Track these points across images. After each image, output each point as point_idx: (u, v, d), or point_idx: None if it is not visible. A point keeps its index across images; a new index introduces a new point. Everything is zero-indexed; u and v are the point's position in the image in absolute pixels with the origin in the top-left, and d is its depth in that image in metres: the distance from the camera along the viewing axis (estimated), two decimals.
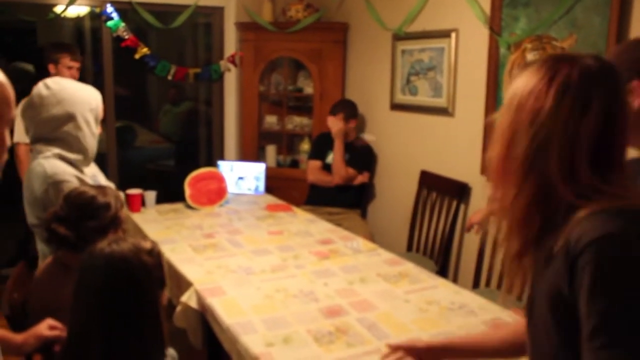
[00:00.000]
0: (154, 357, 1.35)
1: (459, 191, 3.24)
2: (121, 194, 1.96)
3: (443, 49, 3.34)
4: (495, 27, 2.95)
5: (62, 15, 3.86)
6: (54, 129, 2.06)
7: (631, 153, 1.29)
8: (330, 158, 3.83)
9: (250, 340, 1.76)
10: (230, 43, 4.39)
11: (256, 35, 4.22)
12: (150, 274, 1.36)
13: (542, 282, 0.96)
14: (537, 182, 0.94)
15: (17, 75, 4.26)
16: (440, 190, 3.39)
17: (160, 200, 3.37)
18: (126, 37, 3.99)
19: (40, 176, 2.00)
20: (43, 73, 3.36)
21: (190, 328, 2.18)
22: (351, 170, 3.74)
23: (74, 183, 2.00)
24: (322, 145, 3.90)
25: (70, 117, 2.07)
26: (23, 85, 2.45)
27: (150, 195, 3.32)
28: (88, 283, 1.34)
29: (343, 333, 1.82)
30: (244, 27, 4.26)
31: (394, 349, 1.43)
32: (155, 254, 1.40)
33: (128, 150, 5.27)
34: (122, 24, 3.96)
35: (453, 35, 3.25)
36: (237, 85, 4.43)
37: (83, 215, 1.70)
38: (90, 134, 2.14)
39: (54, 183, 1.98)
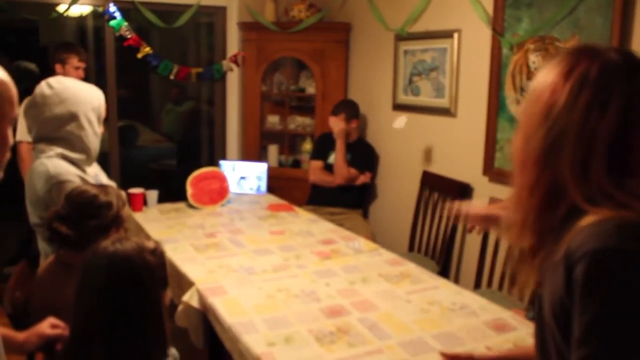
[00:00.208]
0: (156, 357, 1.35)
1: (461, 191, 3.24)
2: (123, 193, 1.96)
3: (445, 49, 3.34)
4: (497, 27, 2.94)
5: (65, 14, 3.87)
6: (56, 129, 2.06)
7: None
8: (332, 158, 3.83)
9: (252, 340, 1.76)
10: (233, 43, 4.39)
11: (258, 35, 4.23)
12: (153, 274, 1.36)
13: (547, 286, 0.95)
14: (550, 178, 0.92)
15: (20, 74, 4.27)
16: (442, 191, 3.39)
17: (162, 199, 3.38)
18: (129, 36, 4.00)
19: (43, 176, 2.00)
20: (46, 72, 3.36)
21: (191, 327, 2.18)
22: (353, 171, 3.74)
23: (77, 183, 2.00)
24: (324, 145, 3.90)
25: (72, 117, 2.07)
26: (26, 84, 2.46)
27: (152, 195, 3.32)
28: (91, 282, 1.34)
29: (344, 333, 1.82)
30: (246, 27, 4.27)
31: (450, 358, 1.42)
32: (158, 254, 1.40)
33: (130, 149, 5.27)
34: (125, 23, 3.97)
35: (455, 35, 3.25)
36: (240, 85, 4.43)
37: (84, 214, 1.70)
38: (93, 133, 2.15)
39: (57, 183, 1.98)
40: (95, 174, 2.30)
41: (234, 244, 2.68)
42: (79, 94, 2.10)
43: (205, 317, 2.12)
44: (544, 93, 0.94)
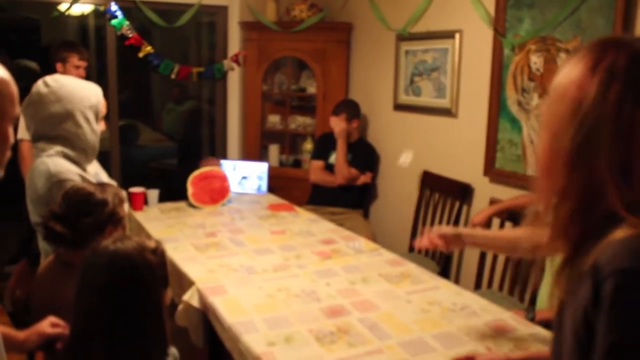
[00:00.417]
0: (156, 356, 1.35)
1: (462, 192, 3.24)
2: (123, 192, 1.96)
3: (447, 49, 3.34)
4: (499, 28, 2.94)
5: (67, 13, 3.87)
6: (54, 127, 2.06)
7: None
8: (332, 158, 3.83)
9: (252, 340, 1.76)
10: (234, 42, 4.39)
11: (260, 34, 4.23)
12: (154, 273, 1.36)
13: (572, 298, 0.90)
14: (584, 181, 0.86)
15: (21, 72, 4.27)
16: (443, 191, 3.39)
17: (162, 198, 3.38)
18: (130, 35, 4.00)
19: (44, 175, 2.00)
20: (47, 71, 3.36)
21: (191, 327, 2.18)
22: (354, 171, 3.74)
23: (77, 182, 2.00)
24: (324, 145, 3.90)
25: (69, 115, 2.07)
26: (27, 82, 2.45)
27: (153, 194, 3.32)
28: (92, 281, 1.34)
29: (345, 333, 1.82)
30: (247, 27, 4.27)
31: None
32: (159, 253, 1.40)
33: (131, 148, 5.28)
34: (126, 23, 3.97)
35: (457, 36, 3.25)
36: (240, 85, 4.43)
37: (80, 212, 1.69)
38: (91, 131, 2.14)
39: (58, 182, 1.97)
40: (96, 172, 2.30)
41: (234, 244, 2.68)
42: (75, 92, 2.09)
43: (206, 317, 2.12)
44: (569, 89, 0.88)
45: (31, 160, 2.17)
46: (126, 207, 1.88)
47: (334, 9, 4.31)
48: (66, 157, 2.07)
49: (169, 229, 2.88)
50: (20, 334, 1.54)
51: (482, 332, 1.84)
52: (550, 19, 2.67)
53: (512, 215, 2.79)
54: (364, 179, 3.79)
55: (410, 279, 2.29)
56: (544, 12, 2.72)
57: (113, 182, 2.19)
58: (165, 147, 5.76)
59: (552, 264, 2.38)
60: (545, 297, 2.35)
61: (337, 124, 3.75)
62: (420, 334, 1.83)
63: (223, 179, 3.42)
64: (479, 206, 3.11)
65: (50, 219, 1.68)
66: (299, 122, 4.42)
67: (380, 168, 4.01)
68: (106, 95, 2.27)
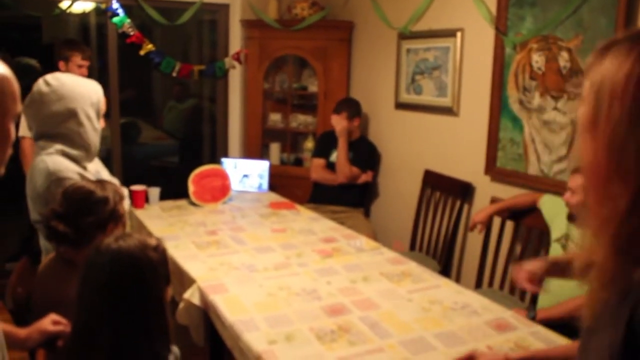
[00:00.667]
0: (159, 354, 1.35)
1: (463, 191, 3.24)
2: (125, 190, 1.96)
3: (448, 48, 3.33)
4: (501, 26, 2.94)
5: (68, 11, 3.87)
6: (55, 126, 2.06)
7: None
8: (334, 156, 3.83)
9: (253, 338, 1.76)
10: (235, 40, 4.39)
11: (261, 32, 4.22)
12: (156, 271, 1.36)
13: (613, 313, 0.81)
14: None
15: (21, 70, 4.26)
16: (444, 190, 3.39)
17: (163, 196, 3.38)
18: (131, 33, 3.99)
19: (43, 173, 2.00)
20: (48, 69, 3.36)
21: (192, 325, 2.18)
22: (355, 169, 3.74)
23: (76, 180, 2.00)
24: (326, 143, 3.90)
25: (71, 113, 2.07)
26: (28, 80, 2.45)
27: (154, 192, 3.32)
28: (94, 279, 1.34)
29: (345, 331, 1.82)
30: (249, 25, 4.26)
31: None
32: (160, 251, 1.41)
33: (132, 146, 5.27)
34: (128, 20, 3.96)
35: (459, 34, 3.25)
36: (242, 83, 4.43)
37: (81, 211, 1.69)
38: (92, 129, 2.14)
39: (57, 180, 1.98)
40: (97, 170, 2.29)
41: (235, 242, 2.68)
42: (76, 90, 2.09)
43: (206, 315, 2.12)
44: (627, 86, 0.77)
45: (32, 158, 2.17)
46: (127, 204, 1.88)
47: (335, 7, 4.30)
48: (66, 155, 2.07)
49: (170, 227, 2.88)
50: (22, 332, 1.54)
51: (483, 331, 1.84)
52: (552, 17, 2.66)
53: (513, 214, 2.79)
54: (365, 177, 3.79)
55: (411, 278, 2.29)
56: (545, 11, 2.71)
57: (114, 180, 2.19)
58: (166, 145, 5.76)
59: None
60: (546, 296, 2.35)
61: (339, 123, 3.75)
62: (421, 332, 1.83)
63: (224, 177, 3.42)
64: (480, 205, 3.11)
65: (52, 218, 1.68)
66: (300, 120, 4.42)
67: (381, 167, 4.01)
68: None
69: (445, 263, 3.30)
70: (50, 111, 2.04)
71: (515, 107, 2.92)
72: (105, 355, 1.29)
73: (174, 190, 3.54)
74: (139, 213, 3.13)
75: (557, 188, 2.58)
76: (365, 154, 3.85)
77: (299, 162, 4.43)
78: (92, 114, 2.13)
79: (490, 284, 2.91)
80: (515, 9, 2.87)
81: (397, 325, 1.87)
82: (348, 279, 2.26)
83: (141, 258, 1.34)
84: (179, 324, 2.18)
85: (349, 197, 3.79)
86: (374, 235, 3.38)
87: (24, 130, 3.19)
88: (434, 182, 3.49)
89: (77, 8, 3.98)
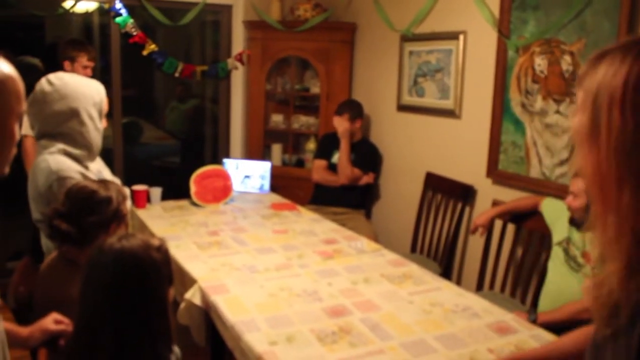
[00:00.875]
0: (161, 354, 1.35)
1: (464, 193, 3.24)
2: (127, 189, 1.96)
3: (451, 50, 3.34)
4: (503, 29, 2.94)
5: (71, 10, 3.88)
6: (57, 125, 2.07)
7: None
8: (335, 158, 3.83)
9: (254, 339, 1.77)
10: (238, 41, 4.40)
11: (264, 33, 4.23)
12: (159, 271, 1.37)
13: (621, 334, 0.79)
14: None
15: (24, 69, 4.26)
16: (446, 192, 3.39)
17: (165, 196, 3.38)
18: (134, 33, 4.00)
19: (45, 172, 2.00)
20: (51, 68, 3.36)
21: (193, 325, 2.19)
22: (357, 171, 3.74)
23: (78, 179, 2.00)
24: (327, 144, 3.90)
25: (73, 113, 2.07)
26: (30, 79, 2.45)
27: (156, 192, 3.33)
28: (96, 278, 1.34)
29: (346, 333, 1.82)
30: (252, 26, 4.27)
31: None
32: (163, 251, 1.41)
33: (134, 146, 5.28)
34: (131, 20, 3.97)
35: (461, 37, 3.25)
36: (244, 84, 4.44)
37: (84, 210, 1.70)
38: (95, 128, 2.14)
39: (58, 179, 1.98)
40: (99, 170, 2.30)
41: (236, 243, 2.69)
42: (79, 90, 2.10)
43: (208, 315, 2.12)
44: (624, 92, 0.77)
45: (34, 155, 2.17)
46: (129, 204, 1.88)
47: (338, 8, 4.31)
48: (68, 154, 2.08)
49: (172, 227, 2.88)
50: (24, 330, 1.54)
51: (484, 334, 1.85)
52: (555, 21, 2.67)
53: (515, 217, 2.79)
54: (367, 179, 3.79)
55: (412, 280, 2.29)
56: (548, 14, 2.72)
57: (116, 180, 2.20)
58: (168, 145, 5.76)
59: (554, 265, 2.38)
60: (547, 299, 2.36)
61: (341, 124, 3.75)
62: (422, 335, 1.83)
63: (226, 177, 3.42)
64: (482, 208, 3.12)
65: (55, 217, 1.68)
66: (302, 121, 4.42)
67: (382, 168, 4.01)
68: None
69: (446, 265, 3.30)
70: (53, 110, 2.05)
71: (517, 110, 2.92)
72: (107, 355, 1.29)
73: (176, 190, 3.54)
74: (141, 213, 3.13)
75: (559, 191, 2.59)
76: (367, 155, 3.85)
77: (300, 164, 4.43)
78: (95, 114, 2.14)
79: (491, 286, 2.91)
80: (518, 12, 2.87)
81: (398, 327, 1.87)
82: (349, 280, 2.27)
83: (144, 258, 1.34)
84: (180, 324, 2.18)
85: (351, 199, 3.79)
86: (375, 237, 3.38)
87: (26, 129, 3.19)
88: (435, 184, 3.49)
89: (80, 8, 3.99)
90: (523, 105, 2.88)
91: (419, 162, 3.64)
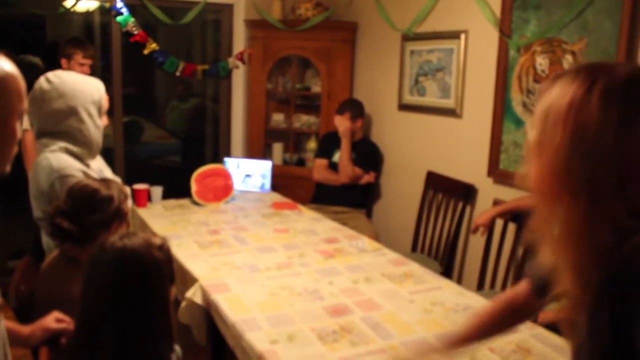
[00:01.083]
0: (162, 353, 1.35)
1: (465, 192, 3.24)
2: (127, 188, 1.96)
3: (452, 50, 3.33)
4: (505, 29, 2.94)
5: (72, 9, 3.88)
6: (57, 123, 2.07)
7: None
8: (336, 157, 3.83)
9: (255, 337, 1.77)
10: (239, 40, 4.40)
11: (265, 32, 4.23)
12: (161, 270, 1.37)
13: (597, 315, 0.88)
14: (589, 201, 0.85)
15: (24, 68, 4.26)
16: (447, 192, 3.39)
17: (166, 195, 3.38)
18: (135, 32, 4.00)
19: (47, 170, 2.01)
20: (51, 67, 3.36)
21: (194, 324, 2.19)
22: (358, 170, 3.74)
23: (80, 178, 2.00)
24: (328, 143, 3.90)
25: (72, 111, 2.07)
26: (31, 78, 2.45)
27: (157, 191, 3.33)
28: (98, 277, 1.34)
29: (347, 332, 1.82)
30: (253, 25, 4.27)
31: None
32: (165, 250, 1.41)
33: (135, 145, 5.28)
34: (132, 19, 3.97)
35: (462, 36, 3.25)
36: (245, 83, 4.44)
37: (86, 209, 1.70)
38: (94, 126, 2.14)
39: (60, 177, 1.98)
40: (100, 168, 2.30)
41: (237, 241, 2.69)
42: (77, 88, 2.10)
43: (208, 314, 2.12)
44: (568, 113, 0.86)
45: (34, 151, 2.16)
46: (130, 202, 1.89)
47: (339, 8, 4.31)
48: (69, 152, 2.08)
49: (173, 226, 2.89)
50: (25, 329, 1.54)
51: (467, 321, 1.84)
52: (557, 20, 2.66)
53: (516, 217, 2.79)
54: (368, 178, 3.79)
55: (413, 279, 2.29)
56: (550, 14, 2.71)
57: (117, 179, 2.20)
58: (169, 144, 5.77)
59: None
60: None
61: (342, 123, 3.76)
62: (422, 334, 1.83)
63: (227, 176, 3.42)
64: (483, 207, 3.11)
65: (57, 216, 1.68)
66: (303, 120, 4.42)
67: (383, 168, 4.01)
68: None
69: (447, 265, 3.29)
70: (52, 109, 2.05)
71: (518, 109, 2.92)
72: (108, 353, 1.29)
73: (177, 189, 3.54)
74: (142, 212, 3.13)
75: None
76: (368, 154, 3.85)
77: (301, 163, 4.43)
78: (94, 111, 2.13)
79: (492, 286, 2.90)
80: (519, 11, 2.87)
81: (399, 326, 1.87)
82: (350, 279, 2.27)
83: (146, 257, 1.34)
84: (181, 323, 2.18)
85: (352, 198, 3.79)
86: (376, 236, 3.38)
87: (26, 124, 3.19)
88: (436, 183, 3.49)
89: (82, 7, 3.99)
90: (524, 105, 2.88)
91: (420, 161, 3.64)
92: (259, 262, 2.42)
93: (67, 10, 3.88)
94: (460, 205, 3.26)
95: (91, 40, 4.52)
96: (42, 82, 2.07)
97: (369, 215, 4.01)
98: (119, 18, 3.95)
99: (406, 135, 3.79)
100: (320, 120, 4.27)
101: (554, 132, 0.88)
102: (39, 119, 2.08)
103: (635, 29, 2.36)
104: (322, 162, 3.87)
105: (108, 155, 2.60)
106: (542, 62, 2.77)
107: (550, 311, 2.19)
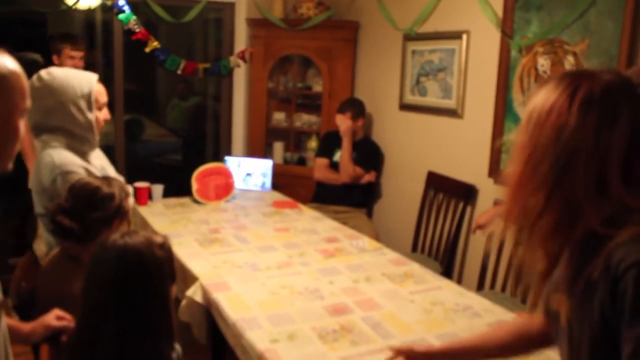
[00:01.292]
0: (162, 351, 1.35)
1: (466, 193, 3.24)
2: (130, 187, 1.96)
3: (454, 50, 3.33)
4: (507, 29, 2.94)
5: (74, 7, 3.87)
6: (50, 120, 2.08)
7: None
8: (337, 156, 3.83)
9: (255, 336, 1.77)
10: (241, 39, 4.39)
11: (266, 31, 4.23)
12: (162, 268, 1.37)
13: (583, 307, 0.93)
14: (563, 201, 0.92)
15: (25, 65, 4.25)
16: (447, 192, 3.39)
17: (166, 194, 3.38)
18: (137, 30, 4.00)
19: (49, 167, 2.01)
20: (50, 64, 3.36)
21: (195, 322, 2.19)
22: (358, 169, 3.74)
23: (81, 174, 2.01)
24: (329, 143, 3.90)
25: (61, 107, 2.07)
26: (32, 75, 2.46)
27: (158, 189, 3.33)
28: (99, 275, 1.34)
29: (348, 331, 1.82)
30: (254, 23, 4.27)
31: (396, 352, 1.42)
32: (166, 248, 1.41)
33: (136, 143, 5.28)
34: (133, 17, 3.97)
35: (464, 36, 3.25)
36: (246, 82, 4.44)
37: (87, 206, 1.70)
38: (85, 120, 2.13)
39: (61, 173, 1.99)
40: (102, 166, 2.30)
41: (238, 240, 2.69)
42: (65, 83, 2.10)
43: (209, 313, 2.12)
44: (548, 116, 0.94)
45: (30, 146, 2.14)
46: (131, 200, 1.89)
47: (341, 7, 4.31)
48: (70, 148, 2.09)
49: (173, 225, 2.89)
50: (26, 326, 1.54)
51: (480, 332, 1.84)
52: (559, 21, 2.66)
53: None
54: (368, 177, 3.79)
55: (413, 279, 2.29)
56: (552, 14, 2.71)
57: (120, 177, 2.20)
58: (169, 143, 5.76)
59: None
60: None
61: (343, 122, 3.76)
62: (422, 334, 1.83)
63: (228, 175, 3.42)
64: (483, 207, 3.12)
65: (58, 213, 1.69)
66: (304, 119, 4.42)
67: (384, 167, 4.01)
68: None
69: (447, 265, 3.30)
70: (42, 106, 2.06)
71: (519, 110, 2.92)
72: (109, 351, 1.29)
73: (177, 187, 3.54)
74: (142, 210, 3.13)
75: None
76: (369, 154, 3.85)
77: (302, 162, 4.43)
78: (83, 106, 2.11)
79: (492, 286, 2.91)
80: (521, 12, 2.87)
81: (399, 326, 1.88)
82: (350, 279, 2.27)
83: (147, 255, 1.35)
84: (181, 321, 2.18)
85: (352, 197, 3.79)
86: (377, 236, 3.38)
87: None
88: (437, 183, 3.49)
89: (83, 4, 3.99)
90: (525, 105, 2.88)
91: (421, 161, 3.64)
92: (260, 261, 2.42)
93: (69, 8, 3.88)
94: (460, 205, 3.26)
95: (92, 38, 4.52)
96: (34, 80, 2.08)
97: (369, 214, 4.01)
98: (120, 16, 3.94)
99: (407, 135, 3.79)
100: (321, 120, 4.27)
101: (534, 133, 0.95)
102: (34, 116, 2.09)
103: (637, 30, 2.36)
104: (323, 161, 3.87)
105: (109, 153, 2.60)
106: (543, 63, 2.77)
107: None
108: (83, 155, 2.15)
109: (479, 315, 1.98)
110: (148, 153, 5.56)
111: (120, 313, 1.30)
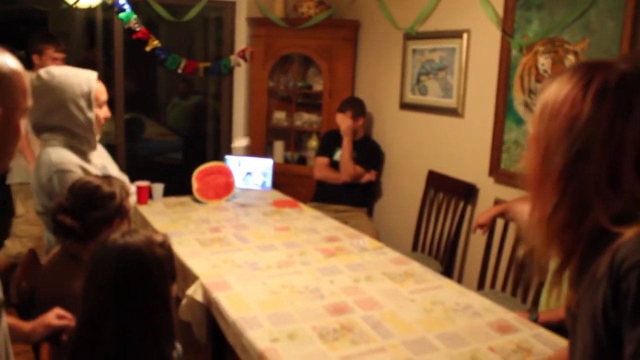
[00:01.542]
0: (163, 350, 1.35)
1: (466, 192, 3.24)
2: (132, 186, 1.97)
3: (454, 49, 3.33)
4: (507, 28, 2.94)
5: (74, 6, 3.88)
6: (50, 119, 2.09)
7: None
8: (337, 155, 3.83)
9: (255, 335, 1.77)
10: (241, 38, 4.40)
11: (267, 30, 4.23)
12: (162, 267, 1.37)
13: (587, 303, 0.93)
14: (576, 193, 0.91)
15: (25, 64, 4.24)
16: (448, 191, 3.39)
17: (167, 193, 3.38)
18: (137, 29, 4.00)
19: (46, 165, 2.03)
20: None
21: (195, 322, 2.19)
22: (359, 168, 3.74)
23: (78, 173, 2.02)
24: (330, 142, 3.90)
25: (60, 105, 2.08)
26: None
27: (158, 188, 3.33)
28: (100, 274, 1.34)
29: (348, 330, 1.82)
30: (255, 23, 4.27)
31: None
32: (166, 247, 1.41)
33: (136, 142, 5.29)
34: (134, 16, 3.97)
35: (465, 36, 3.24)
36: (247, 81, 4.44)
37: (88, 206, 1.70)
38: (85, 119, 2.13)
39: (58, 172, 2.00)
40: (103, 165, 2.30)
41: (238, 239, 2.69)
42: (65, 82, 2.10)
43: (209, 312, 2.12)
44: (562, 107, 0.93)
45: (27, 141, 2.12)
46: (132, 199, 1.89)
47: (341, 6, 4.31)
48: (70, 147, 2.09)
49: (174, 224, 2.89)
50: (27, 325, 1.55)
51: (485, 333, 1.85)
52: (559, 20, 2.66)
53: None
54: (369, 176, 3.79)
55: (413, 278, 2.29)
56: (552, 14, 2.71)
57: (124, 176, 2.20)
58: (170, 142, 5.77)
59: (555, 264, 2.38)
60: (547, 299, 2.35)
61: (343, 121, 3.76)
62: (423, 333, 1.83)
63: (228, 174, 3.42)
64: (484, 206, 3.11)
65: (59, 212, 1.69)
66: (304, 119, 4.42)
67: (385, 166, 4.01)
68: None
69: (447, 264, 3.30)
70: (42, 105, 2.06)
71: (520, 109, 2.92)
72: (109, 350, 1.29)
73: (178, 186, 3.54)
74: (143, 209, 3.13)
75: None
76: (369, 153, 3.85)
77: (302, 161, 4.43)
78: (83, 104, 2.12)
79: (493, 285, 2.91)
80: (522, 11, 2.87)
81: (400, 325, 1.88)
82: (351, 278, 2.27)
83: (147, 254, 1.35)
84: (182, 320, 2.18)
85: (353, 197, 3.79)
86: (377, 235, 3.38)
87: None
88: (437, 182, 3.49)
89: (84, 3, 3.99)
90: (526, 105, 2.88)
91: (421, 160, 3.64)
92: (260, 260, 2.42)
93: (70, 7, 3.88)
94: (461, 204, 3.26)
95: (93, 37, 4.52)
96: (33, 79, 2.09)
97: (369, 214, 4.01)
98: (121, 15, 3.95)
99: (407, 134, 3.79)
100: (321, 119, 4.27)
101: (548, 124, 0.95)
102: (33, 115, 2.09)
103: (637, 29, 2.36)
104: (323, 160, 3.87)
105: (109, 152, 2.61)
106: (544, 62, 2.76)
107: (550, 311, 2.20)
108: (83, 154, 2.15)
109: (479, 315, 1.98)
110: (148, 152, 5.57)
111: (121, 312, 1.30)
